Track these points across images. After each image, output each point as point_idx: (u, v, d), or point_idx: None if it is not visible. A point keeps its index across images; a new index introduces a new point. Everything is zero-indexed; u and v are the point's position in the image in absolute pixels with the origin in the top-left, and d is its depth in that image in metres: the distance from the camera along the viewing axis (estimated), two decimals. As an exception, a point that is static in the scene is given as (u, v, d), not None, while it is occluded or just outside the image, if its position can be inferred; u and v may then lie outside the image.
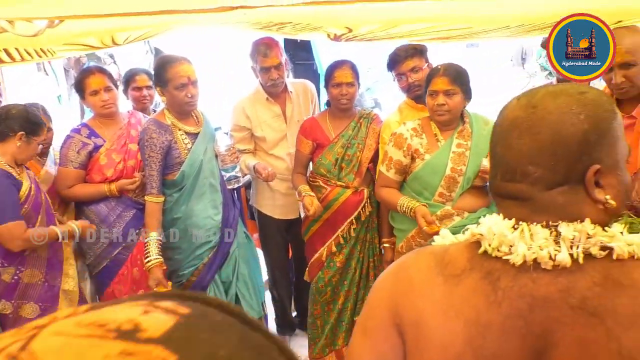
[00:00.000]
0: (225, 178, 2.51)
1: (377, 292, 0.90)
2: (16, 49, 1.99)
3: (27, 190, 2.18)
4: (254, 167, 2.63)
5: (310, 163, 2.67)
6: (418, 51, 2.45)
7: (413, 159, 2.24)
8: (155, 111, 2.79)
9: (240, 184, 2.59)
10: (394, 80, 2.57)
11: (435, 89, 2.14)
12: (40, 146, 2.30)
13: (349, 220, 2.55)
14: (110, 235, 2.47)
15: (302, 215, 2.69)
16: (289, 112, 2.77)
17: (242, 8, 1.68)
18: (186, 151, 2.38)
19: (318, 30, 1.84)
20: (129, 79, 2.93)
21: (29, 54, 2.00)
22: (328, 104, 2.63)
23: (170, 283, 2.41)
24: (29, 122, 2.18)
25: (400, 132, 2.26)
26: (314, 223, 2.61)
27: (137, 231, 2.51)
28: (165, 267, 2.34)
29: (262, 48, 2.57)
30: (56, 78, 4.37)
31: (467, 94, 2.18)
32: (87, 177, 2.47)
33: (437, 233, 2.09)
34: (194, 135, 2.41)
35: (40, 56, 2.06)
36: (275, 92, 2.72)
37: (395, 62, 2.47)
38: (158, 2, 1.71)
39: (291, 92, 2.78)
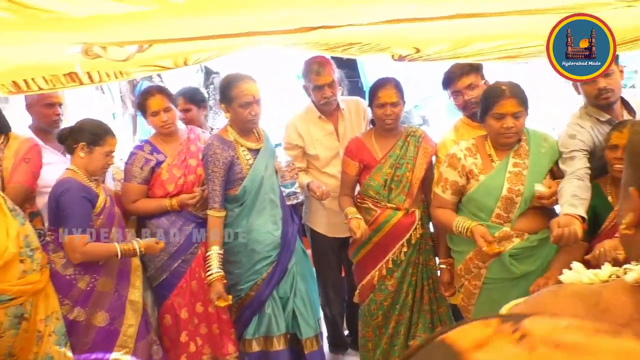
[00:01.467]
0: (284, 194, 2.53)
1: None
2: (97, 71, 2.07)
3: (102, 203, 2.31)
4: (307, 186, 2.63)
5: (358, 185, 2.64)
6: (474, 68, 2.39)
7: (468, 179, 2.18)
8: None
9: (299, 200, 2.60)
10: (449, 98, 2.53)
11: (503, 111, 2.06)
12: (113, 157, 2.37)
13: (400, 243, 2.50)
14: (170, 249, 2.52)
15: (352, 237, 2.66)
16: (341, 129, 2.78)
17: (324, 28, 1.69)
18: (248, 167, 2.43)
19: (384, 51, 1.83)
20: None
21: (107, 75, 2.09)
22: (373, 122, 2.60)
23: (230, 297, 2.43)
24: (88, 133, 2.29)
25: (454, 153, 2.20)
26: (364, 246, 2.57)
27: (197, 244, 2.55)
28: (225, 281, 2.37)
29: (315, 66, 2.60)
30: (111, 95, 4.53)
31: (527, 114, 2.13)
32: (149, 192, 2.56)
33: (497, 254, 2.02)
34: (255, 152, 2.46)
35: (117, 77, 2.14)
36: (328, 110, 2.74)
37: (450, 79, 2.43)
38: (239, 24, 1.74)
39: (343, 109, 2.79)
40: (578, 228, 1.82)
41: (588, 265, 0.97)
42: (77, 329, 2.25)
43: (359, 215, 2.47)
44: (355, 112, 2.82)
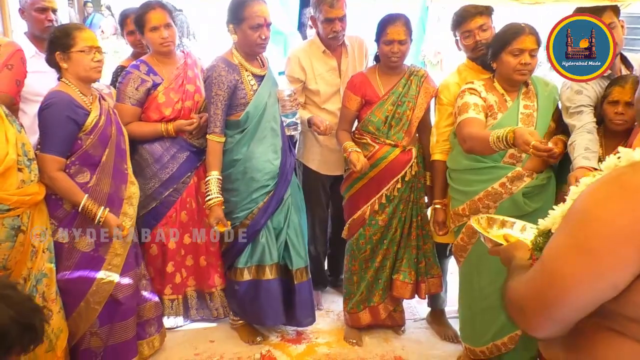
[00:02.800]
0: (284, 124, 2.49)
1: (608, 223, 0.83)
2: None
3: (93, 121, 2.15)
4: (309, 120, 2.61)
5: (357, 120, 2.65)
6: (488, 10, 2.43)
7: (486, 115, 2.22)
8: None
9: (299, 131, 2.57)
10: (456, 38, 2.55)
11: (522, 47, 2.11)
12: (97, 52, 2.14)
13: (395, 179, 2.56)
14: (162, 177, 2.44)
15: (346, 172, 2.69)
16: (344, 66, 2.76)
17: None
18: (252, 92, 2.37)
19: None
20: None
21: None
22: (377, 58, 2.59)
23: (229, 223, 2.40)
24: (56, 39, 2.10)
25: (473, 87, 2.23)
26: (358, 181, 2.61)
27: (190, 174, 2.49)
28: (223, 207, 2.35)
29: None
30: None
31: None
32: (143, 115, 2.45)
33: (550, 150, 1.98)
34: (259, 78, 2.41)
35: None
36: (333, 44, 2.70)
37: (464, 18, 2.44)
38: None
39: (347, 45, 2.76)
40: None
41: None
42: (60, 251, 2.15)
43: (358, 149, 2.50)
44: (359, 49, 2.80)
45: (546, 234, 1.05)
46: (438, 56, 6.50)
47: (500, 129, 2.03)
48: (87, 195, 2.12)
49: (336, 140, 2.64)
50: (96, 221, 2.14)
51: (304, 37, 3.72)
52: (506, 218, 1.49)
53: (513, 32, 2.14)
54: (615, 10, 2.20)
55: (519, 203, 2.16)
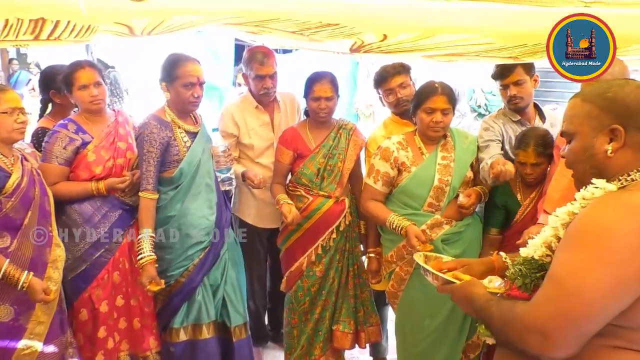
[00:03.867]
0: (219, 179, 2.50)
1: (624, 236, 0.95)
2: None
3: (14, 183, 2.06)
4: (242, 175, 2.64)
5: (290, 173, 2.72)
6: (405, 69, 2.62)
7: (400, 171, 2.35)
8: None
9: (234, 186, 2.58)
10: (380, 95, 2.73)
11: (433, 106, 2.28)
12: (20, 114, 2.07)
13: (330, 230, 2.61)
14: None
15: (282, 225, 2.72)
16: (277, 121, 2.84)
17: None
18: (185, 149, 2.38)
19: (351, 37, 1.93)
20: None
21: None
22: (306, 113, 2.70)
23: (163, 282, 2.34)
24: None
25: (387, 146, 2.37)
26: (294, 233, 2.64)
27: (122, 233, 2.42)
28: (156, 265, 2.29)
29: (260, 56, 2.64)
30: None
31: (454, 113, 2.39)
32: (71, 174, 2.38)
33: (430, 252, 2.21)
34: (192, 134, 2.43)
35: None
36: (266, 100, 2.79)
37: (384, 78, 2.63)
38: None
39: (279, 101, 2.85)
40: (510, 167, 2.17)
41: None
42: None
43: (290, 201, 2.54)
44: (290, 105, 2.90)
45: (529, 262, 1.12)
46: (370, 108, 6.85)
47: (397, 218, 2.28)
48: (7, 260, 2.00)
49: (270, 194, 2.68)
50: (19, 287, 2.01)
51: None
52: (439, 255, 1.61)
53: (426, 92, 2.32)
54: (526, 67, 2.47)
55: (438, 250, 2.26)
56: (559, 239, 1.10)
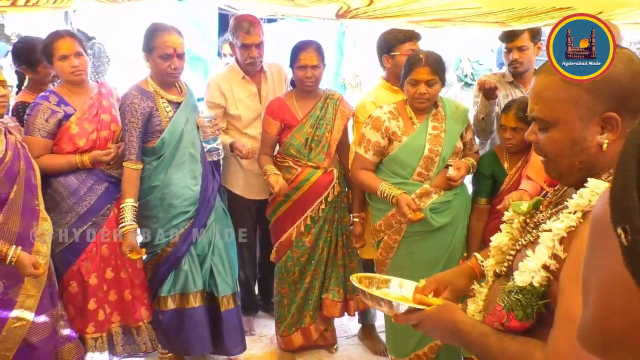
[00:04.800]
0: (205, 150, 2.49)
1: None
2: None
3: None
4: (230, 145, 2.62)
5: (278, 144, 2.71)
6: (416, 36, 2.56)
7: (390, 141, 2.34)
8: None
9: (221, 157, 2.56)
10: (380, 61, 2.67)
11: (417, 78, 2.26)
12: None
13: (318, 201, 2.62)
14: (79, 210, 2.34)
15: (271, 196, 2.72)
16: (264, 91, 2.81)
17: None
18: (167, 119, 2.37)
19: (337, 1, 1.89)
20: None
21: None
22: (293, 84, 2.67)
23: (144, 250, 2.35)
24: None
25: (378, 115, 2.36)
26: (283, 204, 2.65)
27: (109, 205, 2.41)
28: (139, 235, 2.32)
29: (246, 25, 2.59)
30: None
31: (443, 82, 2.36)
32: (55, 147, 2.35)
33: (420, 220, 2.23)
34: (176, 104, 2.40)
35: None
36: (252, 70, 2.75)
37: (392, 44, 2.56)
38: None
39: (266, 72, 2.81)
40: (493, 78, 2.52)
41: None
42: None
43: (277, 172, 2.54)
44: (278, 75, 2.86)
45: (528, 291, 0.96)
46: (357, 79, 6.78)
47: (388, 187, 2.29)
48: None
49: (258, 165, 2.67)
50: (7, 261, 2.00)
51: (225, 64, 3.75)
52: (381, 276, 1.41)
53: (410, 64, 2.29)
54: (532, 34, 2.52)
55: (427, 219, 2.29)
56: (556, 257, 0.93)
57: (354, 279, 1.32)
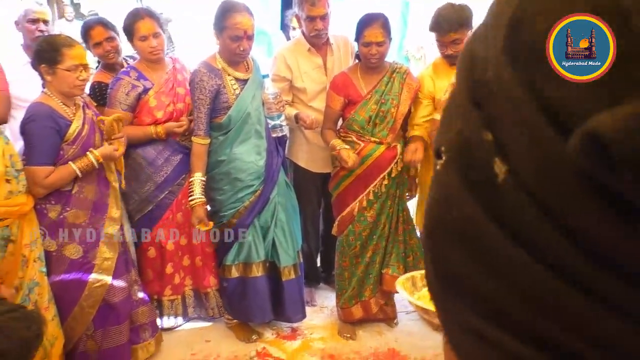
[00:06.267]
0: (270, 126, 2.54)
1: None
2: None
3: (75, 131, 2.17)
4: (295, 116, 2.66)
5: (341, 118, 2.70)
6: (463, 24, 2.45)
7: None
8: (127, 61, 2.73)
9: (285, 133, 2.61)
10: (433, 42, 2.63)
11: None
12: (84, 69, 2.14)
13: (381, 176, 2.61)
14: (157, 180, 2.48)
15: (334, 170, 2.74)
16: (329, 64, 2.80)
17: None
18: (234, 96, 2.43)
19: None
20: (84, 36, 2.59)
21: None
22: (358, 57, 2.64)
23: (211, 223, 2.46)
24: (43, 52, 2.10)
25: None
26: (346, 178, 2.66)
27: (184, 175, 2.53)
28: (207, 207, 2.42)
29: None
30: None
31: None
32: (135, 119, 2.48)
33: None
34: (243, 81, 2.46)
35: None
36: (317, 43, 2.74)
37: (437, 30, 2.51)
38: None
39: (332, 44, 2.80)
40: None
41: None
42: (49, 259, 2.17)
43: (346, 146, 2.55)
44: (344, 47, 2.84)
45: None
46: (421, 51, 6.56)
47: None
48: (70, 162, 2.13)
49: (322, 139, 2.70)
50: (96, 164, 2.17)
51: (288, 38, 3.76)
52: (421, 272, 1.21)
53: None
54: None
55: None
56: None
57: (398, 284, 1.22)
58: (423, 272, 1.26)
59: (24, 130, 2.11)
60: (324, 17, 2.64)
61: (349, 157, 2.49)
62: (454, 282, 0.25)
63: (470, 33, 2.52)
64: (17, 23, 2.70)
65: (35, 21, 2.61)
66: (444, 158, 0.27)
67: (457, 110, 0.26)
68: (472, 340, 0.25)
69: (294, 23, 3.22)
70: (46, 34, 2.56)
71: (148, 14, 2.46)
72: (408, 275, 1.27)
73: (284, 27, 4.49)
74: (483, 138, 0.23)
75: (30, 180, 2.07)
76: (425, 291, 1.16)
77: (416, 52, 6.35)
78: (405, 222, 2.74)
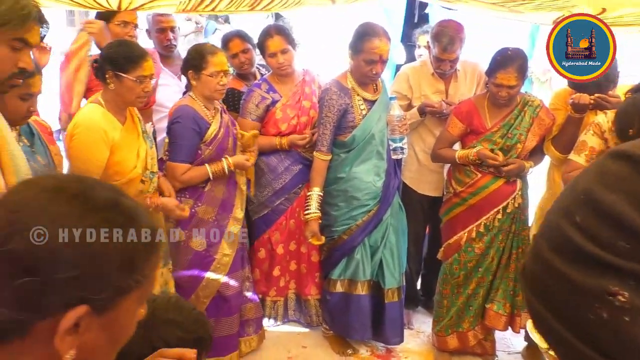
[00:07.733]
0: (391, 147, 2.56)
1: None
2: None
3: (212, 133, 2.36)
4: (419, 108, 2.68)
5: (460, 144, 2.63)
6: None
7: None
8: (259, 70, 2.86)
9: (405, 155, 2.62)
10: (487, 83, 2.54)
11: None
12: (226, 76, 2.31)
13: (495, 210, 2.51)
14: (276, 187, 2.63)
15: (445, 195, 2.70)
16: (452, 90, 2.77)
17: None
18: (360, 117, 2.48)
19: (562, 9, 1.77)
20: (223, 47, 2.75)
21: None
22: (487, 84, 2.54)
23: (324, 238, 2.54)
24: (191, 58, 2.30)
25: (599, 122, 2.18)
26: (458, 206, 2.60)
27: (301, 185, 2.65)
28: (320, 221, 2.51)
29: (445, 41, 2.55)
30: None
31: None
32: (262, 129, 2.64)
33: None
34: (370, 102, 2.51)
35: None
36: (442, 77, 2.76)
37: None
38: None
39: (459, 70, 2.77)
40: None
41: None
42: (177, 248, 2.38)
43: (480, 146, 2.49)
44: (471, 74, 2.80)
45: None
46: (547, 74, 6.18)
47: None
48: (206, 165, 2.33)
49: (436, 158, 2.66)
50: (227, 171, 2.35)
51: (410, 54, 3.76)
52: None
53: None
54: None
55: None
56: None
57: (532, 330, 1.23)
58: None
59: (170, 130, 2.34)
60: (453, 61, 2.63)
61: (497, 153, 2.43)
62: None
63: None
64: (148, 32, 2.85)
65: (163, 30, 2.78)
66: None
67: None
68: None
69: (421, 41, 3.21)
70: (174, 41, 2.80)
71: (277, 31, 2.58)
72: None
73: (404, 38, 4.48)
74: None
75: (170, 174, 2.32)
76: None
77: (542, 75, 6.00)
78: (519, 260, 2.60)
